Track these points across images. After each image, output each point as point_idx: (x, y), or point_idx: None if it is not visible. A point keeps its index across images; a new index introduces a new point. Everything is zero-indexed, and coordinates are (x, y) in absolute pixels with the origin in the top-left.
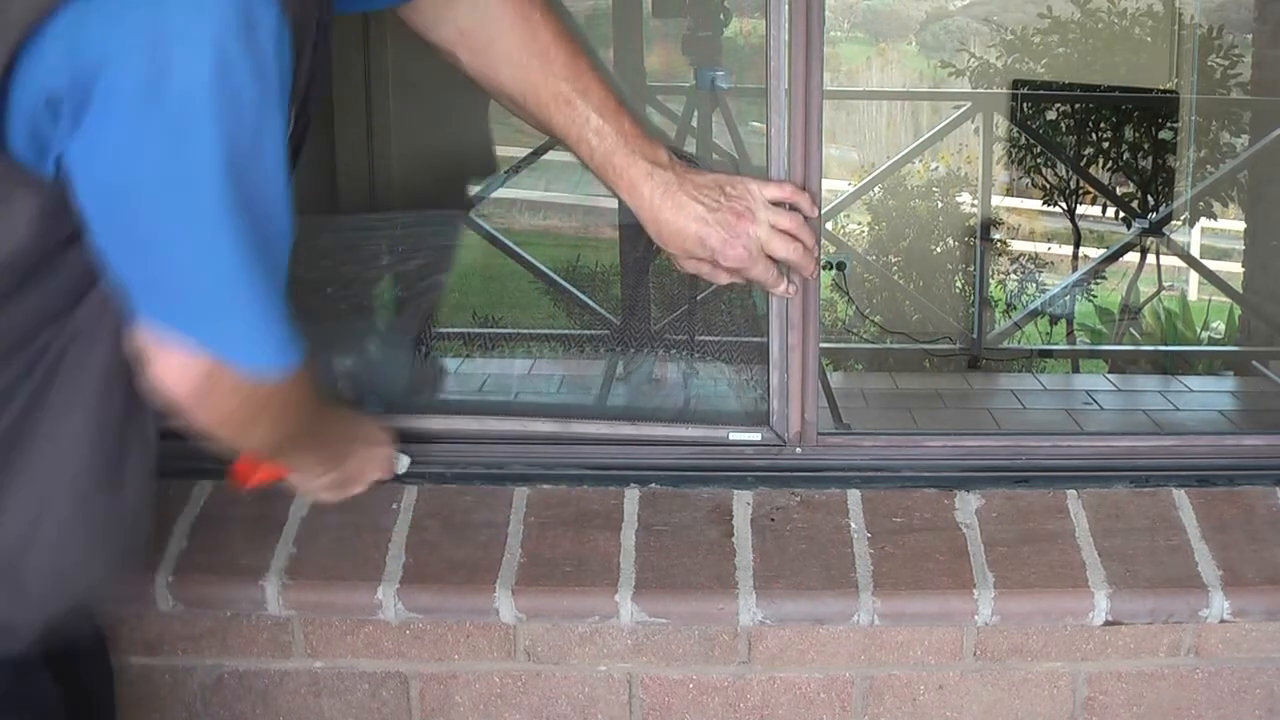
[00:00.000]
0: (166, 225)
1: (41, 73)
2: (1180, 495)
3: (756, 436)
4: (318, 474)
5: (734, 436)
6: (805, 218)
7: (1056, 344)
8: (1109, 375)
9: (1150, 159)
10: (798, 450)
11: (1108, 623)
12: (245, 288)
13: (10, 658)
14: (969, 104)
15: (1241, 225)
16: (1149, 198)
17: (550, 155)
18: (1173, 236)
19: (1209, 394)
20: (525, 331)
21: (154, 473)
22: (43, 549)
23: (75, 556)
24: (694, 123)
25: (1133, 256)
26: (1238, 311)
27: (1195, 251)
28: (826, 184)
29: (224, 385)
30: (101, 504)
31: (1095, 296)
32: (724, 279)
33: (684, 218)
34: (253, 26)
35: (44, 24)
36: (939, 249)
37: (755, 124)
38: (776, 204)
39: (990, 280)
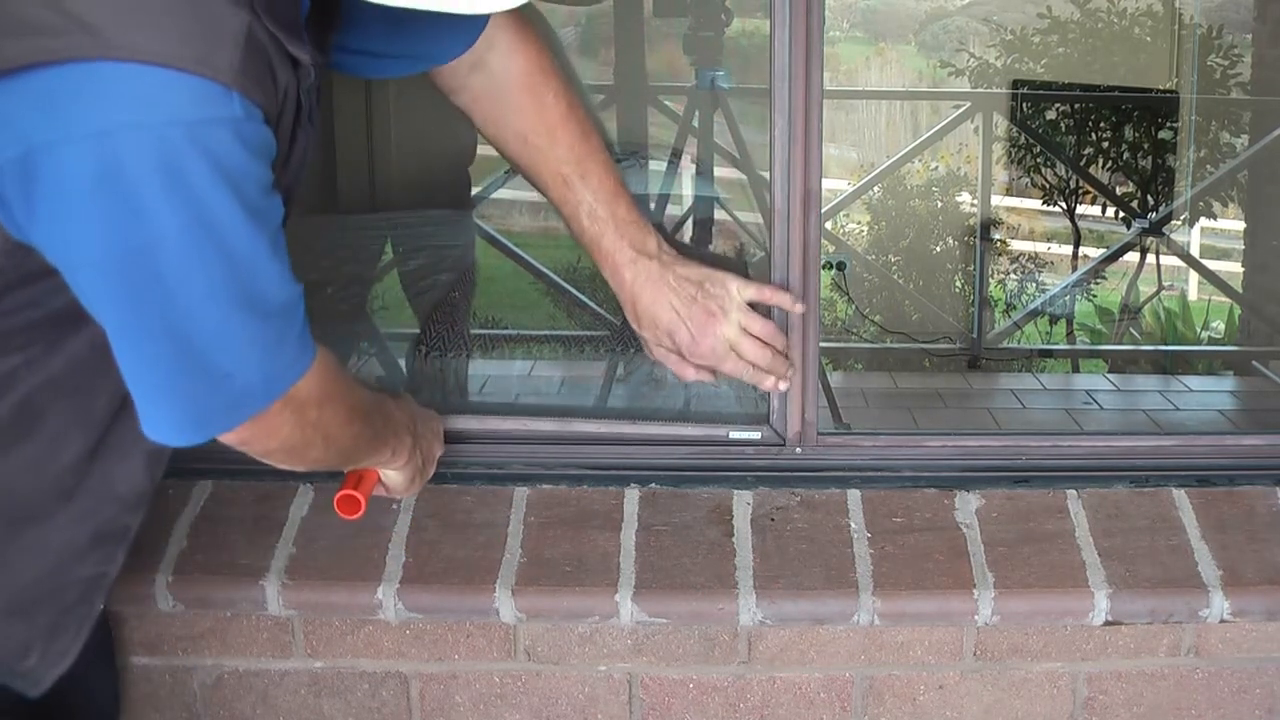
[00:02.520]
0: (130, 303)
1: None
2: (1180, 495)
3: (756, 436)
4: (398, 465)
5: (734, 436)
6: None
7: (1056, 344)
8: (1109, 375)
9: (1150, 159)
10: (798, 450)
11: (1108, 623)
12: (245, 341)
13: None
14: (969, 104)
15: (1241, 225)
16: (1149, 197)
17: None
18: (1172, 236)
19: (1209, 394)
20: (525, 332)
21: (102, 528)
22: None
23: None
24: (695, 123)
25: (1132, 256)
26: (1238, 311)
27: (1195, 251)
28: (826, 183)
29: (270, 421)
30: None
31: (1095, 296)
32: (690, 374)
33: (658, 307)
34: (205, 120)
35: None
36: (939, 249)
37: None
38: (755, 305)
39: (990, 280)
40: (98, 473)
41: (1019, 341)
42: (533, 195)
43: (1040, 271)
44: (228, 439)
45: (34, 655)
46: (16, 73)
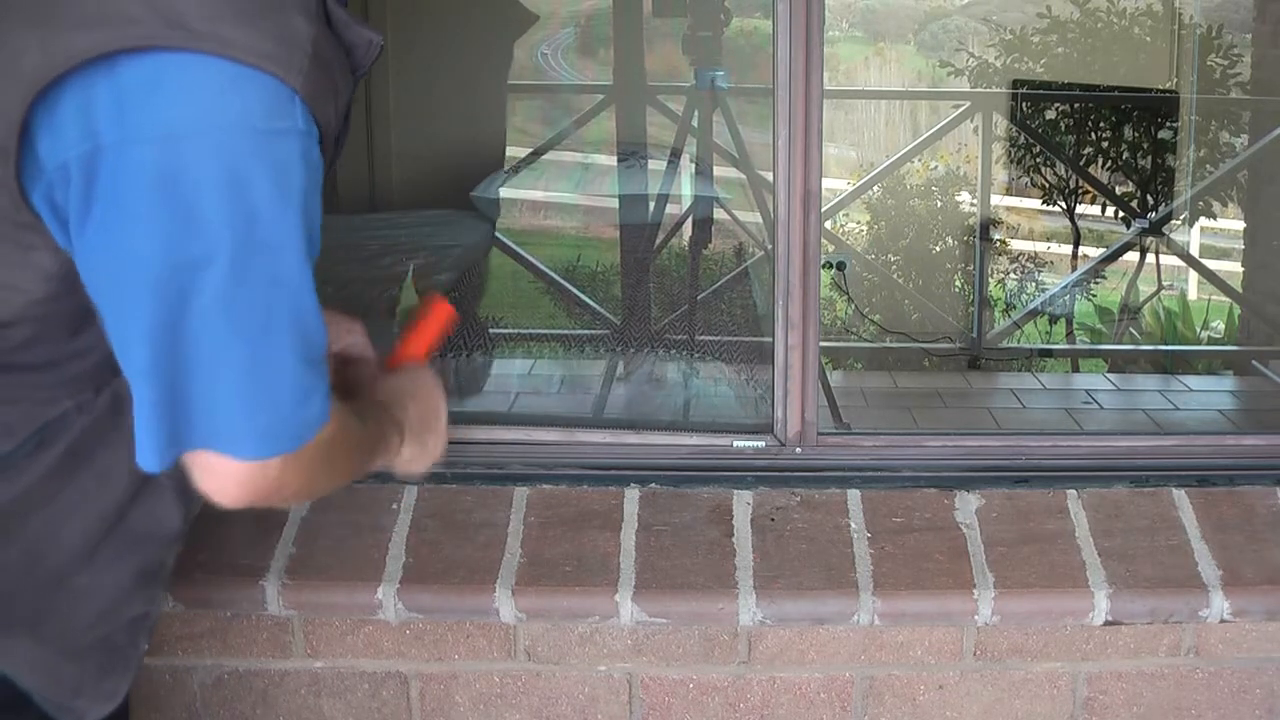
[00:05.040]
0: (168, 317)
1: (56, 136)
2: (1180, 495)
3: (760, 444)
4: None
5: (738, 445)
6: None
7: (1056, 343)
8: (1109, 375)
9: (1150, 159)
10: (798, 450)
11: (1108, 623)
12: (259, 381)
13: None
14: (968, 103)
15: (1241, 225)
16: (1148, 197)
17: (550, 155)
18: (1172, 236)
19: (1209, 394)
20: (525, 331)
21: (144, 573)
22: (18, 625)
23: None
24: (694, 122)
25: (1132, 256)
26: (1238, 311)
27: (1195, 251)
28: (826, 183)
29: (272, 477)
30: (73, 583)
31: (1095, 296)
32: None
33: None
34: (273, 130)
35: (59, 83)
36: (938, 248)
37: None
38: None
39: (990, 279)
40: (138, 510)
41: (1019, 341)
42: (532, 194)
43: (1040, 271)
44: (221, 492)
45: (83, 697)
46: (98, 61)
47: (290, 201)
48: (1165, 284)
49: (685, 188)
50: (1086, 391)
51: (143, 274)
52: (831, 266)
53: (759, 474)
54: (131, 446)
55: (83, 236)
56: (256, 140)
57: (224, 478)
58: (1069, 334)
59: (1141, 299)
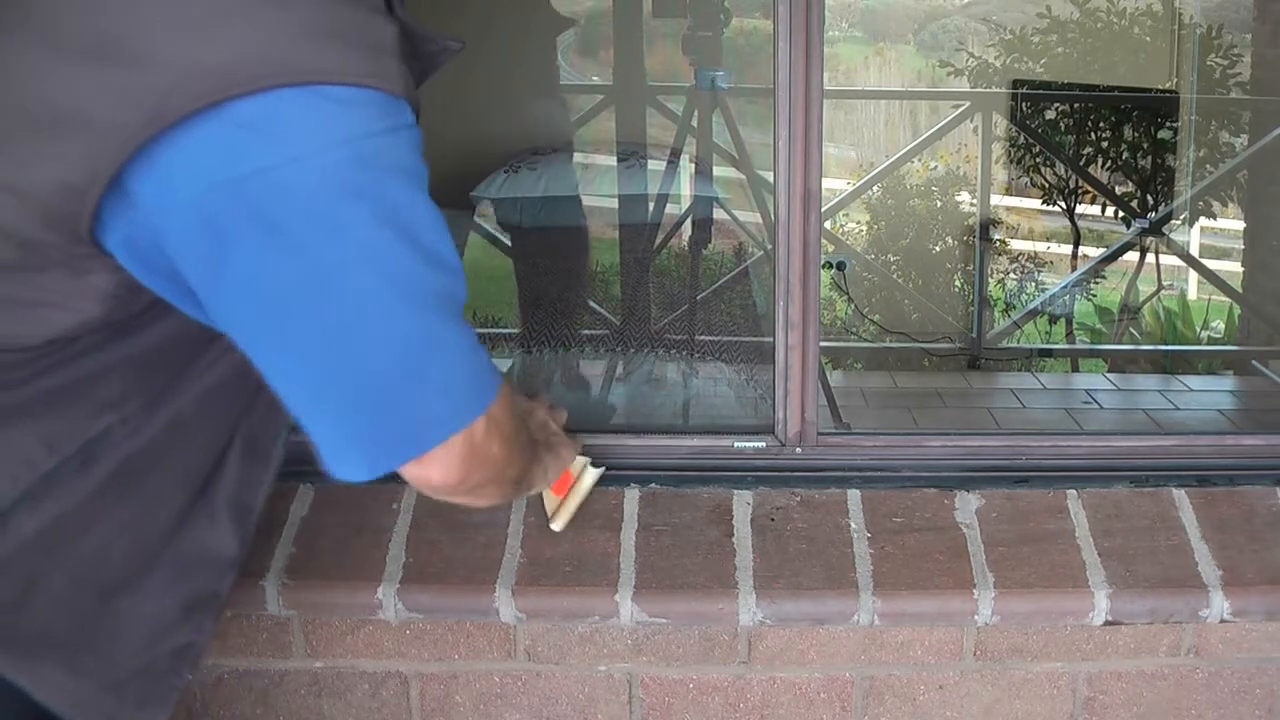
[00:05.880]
0: (334, 330)
1: (159, 184)
2: (1180, 495)
3: (761, 445)
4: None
5: (738, 445)
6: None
7: (1056, 343)
8: (1109, 375)
9: (1149, 158)
10: (798, 450)
11: (1108, 623)
12: (444, 352)
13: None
14: (968, 103)
15: (1241, 225)
16: (1148, 197)
17: (550, 155)
18: (1172, 236)
19: (1209, 394)
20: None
21: (184, 600)
22: (57, 651)
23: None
24: (694, 122)
25: (1132, 256)
26: (1237, 311)
27: (1194, 251)
28: (826, 183)
29: (481, 443)
30: (107, 609)
31: (1095, 296)
32: None
33: None
34: (389, 129)
35: (149, 143)
36: (938, 248)
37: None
38: None
39: (990, 279)
40: (187, 536)
41: (1019, 341)
42: (533, 194)
43: (1040, 271)
44: (424, 479)
45: None
46: (203, 111)
47: (419, 187)
48: (1165, 284)
49: (685, 188)
50: (1086, 391)
51: (306, 294)
52: (831, 266)
53: (759, 474)
54: (185, 470)
55: (221, 279)
56: (377, 142)
57: (427, 464)
58: (1069, 334)
59: (1141, 299)
